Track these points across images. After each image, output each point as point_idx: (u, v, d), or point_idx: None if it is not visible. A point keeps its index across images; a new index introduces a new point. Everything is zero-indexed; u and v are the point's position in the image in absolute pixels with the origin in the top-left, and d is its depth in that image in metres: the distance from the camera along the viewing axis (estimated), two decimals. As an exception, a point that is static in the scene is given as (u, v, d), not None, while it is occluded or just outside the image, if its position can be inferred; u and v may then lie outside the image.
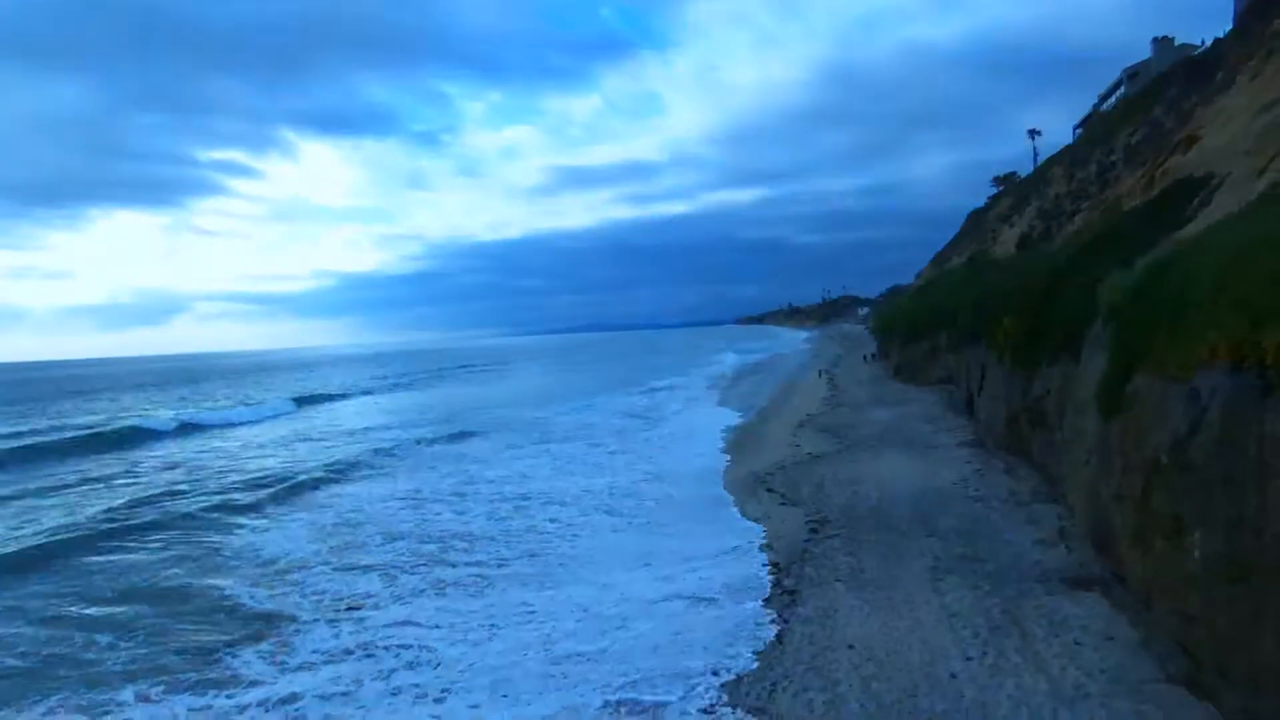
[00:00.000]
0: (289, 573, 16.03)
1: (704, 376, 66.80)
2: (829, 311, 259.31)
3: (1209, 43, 34.49)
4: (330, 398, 65.25)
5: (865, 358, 63.90)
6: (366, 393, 69.46)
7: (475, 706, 9.90)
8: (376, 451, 31.70)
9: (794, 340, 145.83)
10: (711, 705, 9.35)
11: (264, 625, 13.14)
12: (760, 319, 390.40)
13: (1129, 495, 9.88)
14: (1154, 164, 17.43)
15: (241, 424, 47.48)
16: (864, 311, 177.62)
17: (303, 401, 59.38)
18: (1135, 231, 15.11)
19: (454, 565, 15.83)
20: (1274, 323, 6.54)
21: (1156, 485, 8.96)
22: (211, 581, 15.68)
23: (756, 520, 17.63)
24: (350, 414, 52.20)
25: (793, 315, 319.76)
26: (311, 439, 38.70)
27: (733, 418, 36.77)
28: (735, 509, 18.93)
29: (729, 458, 26.21)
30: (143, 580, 16.09)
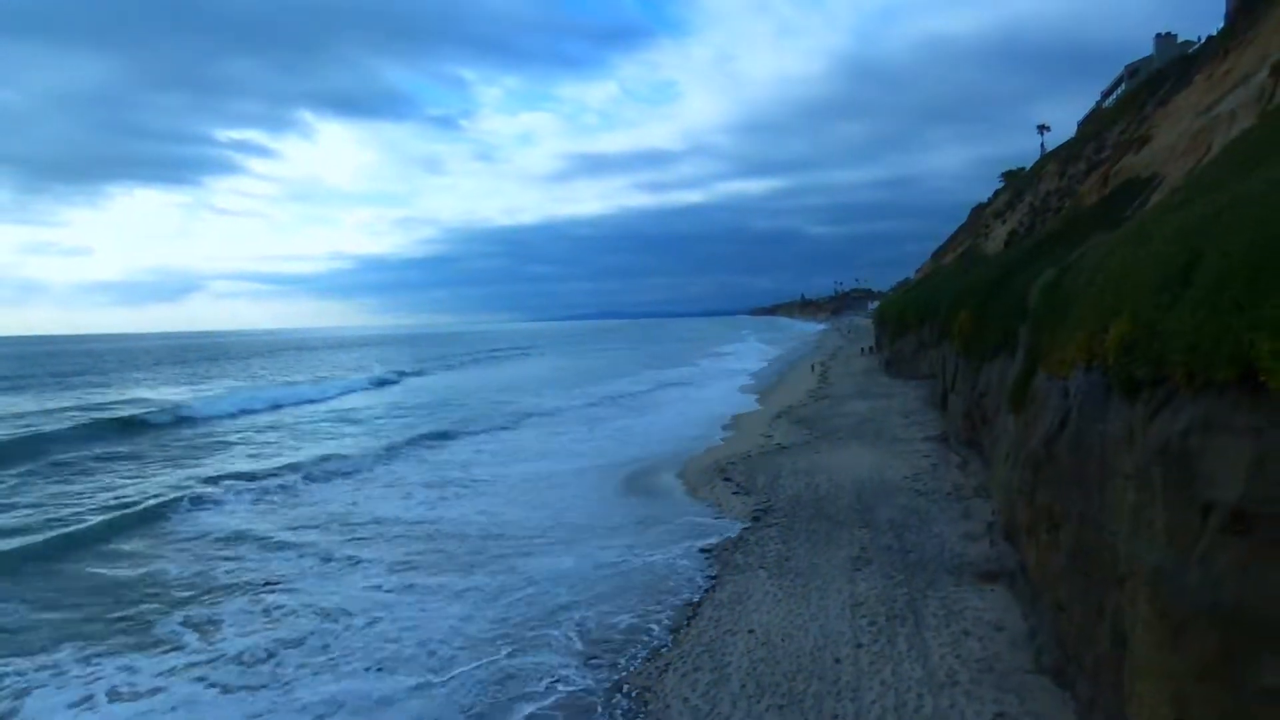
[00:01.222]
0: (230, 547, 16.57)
1: (710, 367, 67.25)
2: (841, 304, 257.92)
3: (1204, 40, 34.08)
4: (406, 375, 67.90)
5: (863, 350, 63.84)
6: (417, 373, 70.28)
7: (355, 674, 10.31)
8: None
9: (803, 332, 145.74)
10: (602, 685, 9.63)
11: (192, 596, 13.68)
12: (772, 310, 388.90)
13: (1025, 490, 10.05)
14: (1110, 163, 17.36)
15: (330, 398, 50.37)
16: (874, 305, 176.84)
17: (382, 382, 61.93)
18: (1083, 230, 15.14)
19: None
20: (1116, 322, 6.65)
21: (1040, 480, 9.12)
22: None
23: (706, 508, 17.87)
24: (416, 392, 53.82)
25: (805, 307, 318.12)
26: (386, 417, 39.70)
27: (723, 406, 36.93)
28: (687, 497, 19.14)
29: (700, 446, 26.37)
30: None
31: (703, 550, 14.57)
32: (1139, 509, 6.15)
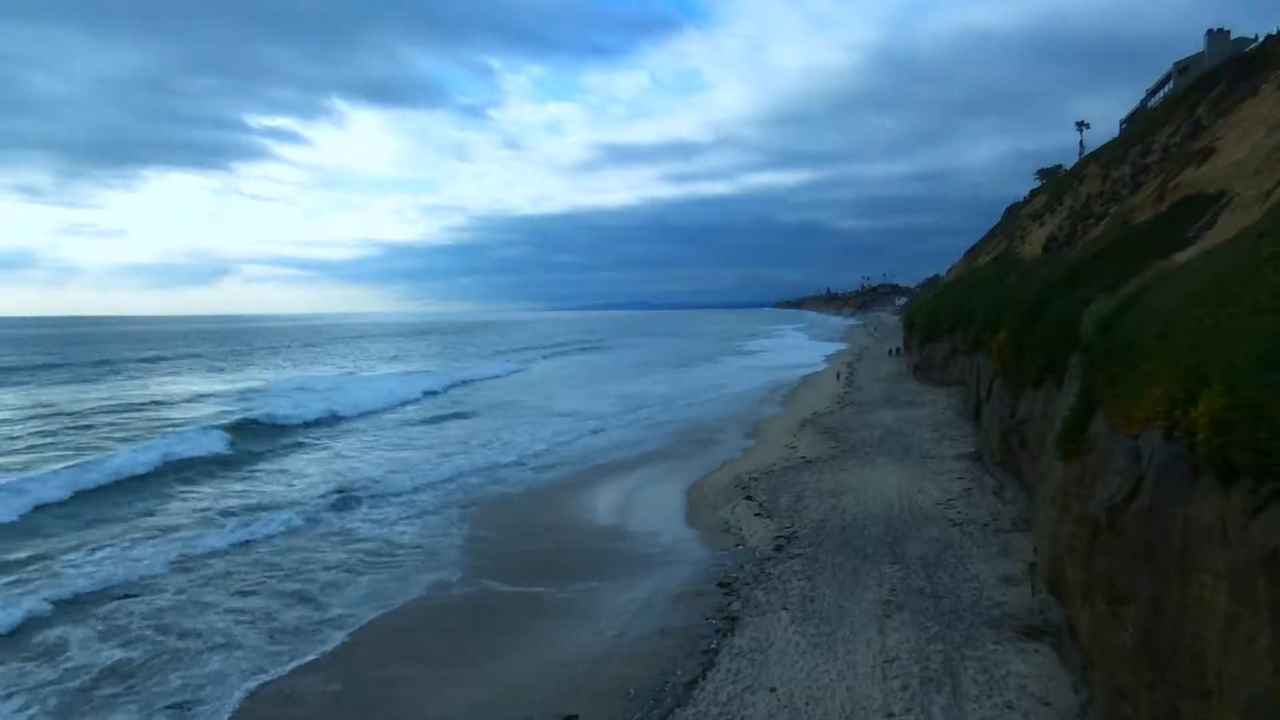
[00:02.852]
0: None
1: (740, 364, 66.64)
2: (867, 299, 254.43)
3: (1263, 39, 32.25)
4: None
5: (890, 351, 62.41)
6: (516, 369, 67.60)
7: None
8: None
9: (830, 328, 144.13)
10: None
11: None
12: (798, 304, 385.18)
13: (1079, 548, 9.11)
14: (1167, 175, 16.16)
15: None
16: (902, 301, 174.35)
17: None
18: (1136, 250, 14.04)
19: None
20: (1206, 392, 5.73)
21: (1098, 546, 8.19)
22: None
23: (724, 532, 17.05)
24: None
25: (831, 301, 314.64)
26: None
27: (756, 411, 36.04)
28: (689, 528, 18.24)
29: (722, 456, 25.50)
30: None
31: (721, 585, 13.77)
32: (1235, 619, 5.25)
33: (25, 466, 24.01)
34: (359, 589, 14.22)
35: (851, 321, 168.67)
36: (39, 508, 18.53)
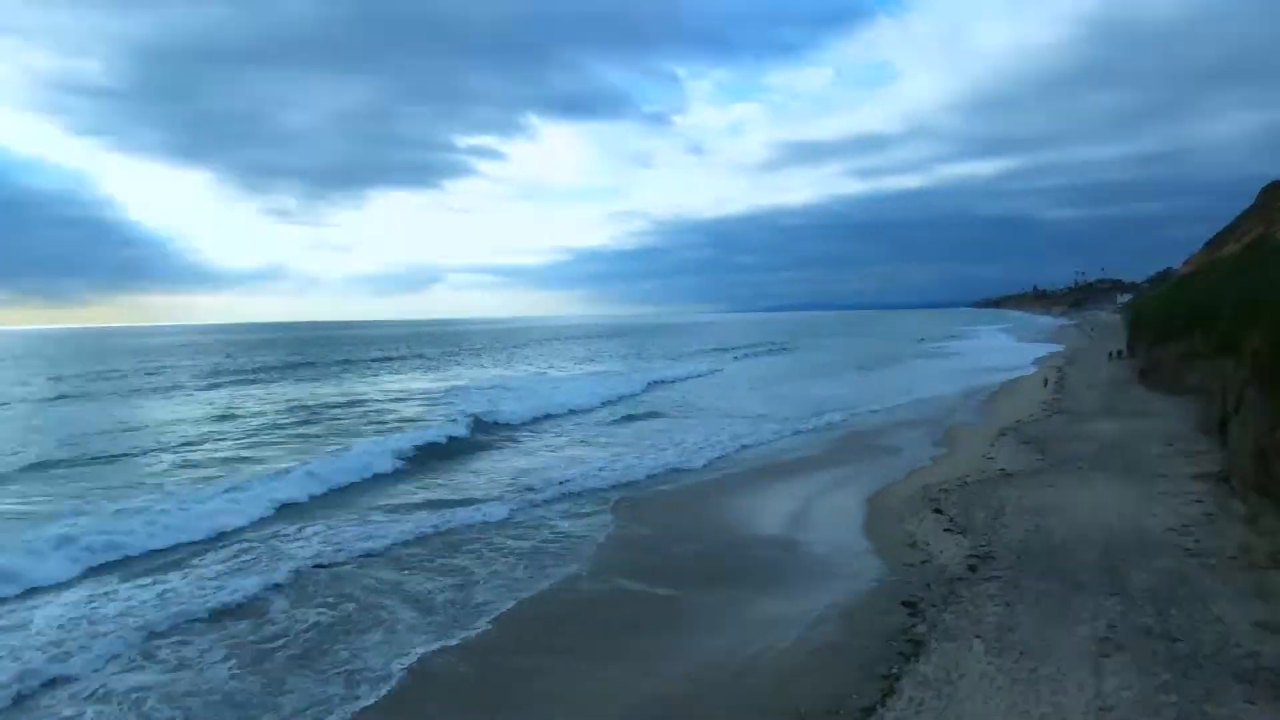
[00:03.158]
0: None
1: (932, 367, 62.99)
2: (1082, 296, 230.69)
3: None
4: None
5: (1110, 355, 55.86)
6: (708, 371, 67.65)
7: None
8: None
9: (1037, 328, 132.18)
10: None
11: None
12: (998, 302, 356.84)
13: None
14: None
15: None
16: (1124, 298, 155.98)
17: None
18: None
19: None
20: None
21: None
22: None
23: (908, 547, 15.77)
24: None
25: (1039, 299, 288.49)
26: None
27: (948, 417, 33.63)
28: (868, 540, 16.94)
29: (908, 464, 23.84)
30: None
31: (905, 604, 12.68)
32: None
33: (276, 459, 27.09)
34: (521, 578, 14.74)
35: (1063, 321, 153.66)
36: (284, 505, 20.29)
